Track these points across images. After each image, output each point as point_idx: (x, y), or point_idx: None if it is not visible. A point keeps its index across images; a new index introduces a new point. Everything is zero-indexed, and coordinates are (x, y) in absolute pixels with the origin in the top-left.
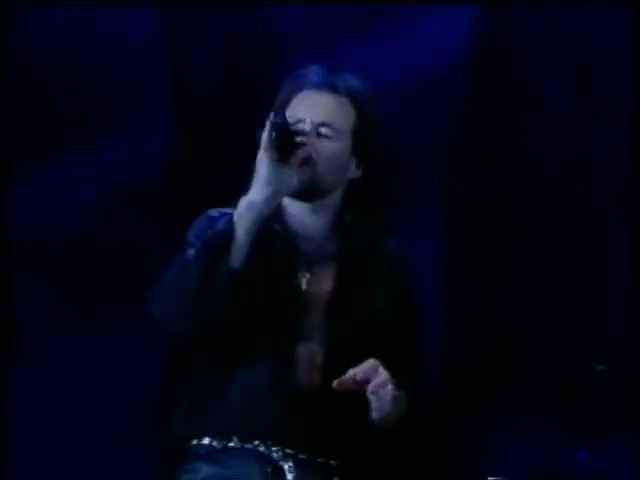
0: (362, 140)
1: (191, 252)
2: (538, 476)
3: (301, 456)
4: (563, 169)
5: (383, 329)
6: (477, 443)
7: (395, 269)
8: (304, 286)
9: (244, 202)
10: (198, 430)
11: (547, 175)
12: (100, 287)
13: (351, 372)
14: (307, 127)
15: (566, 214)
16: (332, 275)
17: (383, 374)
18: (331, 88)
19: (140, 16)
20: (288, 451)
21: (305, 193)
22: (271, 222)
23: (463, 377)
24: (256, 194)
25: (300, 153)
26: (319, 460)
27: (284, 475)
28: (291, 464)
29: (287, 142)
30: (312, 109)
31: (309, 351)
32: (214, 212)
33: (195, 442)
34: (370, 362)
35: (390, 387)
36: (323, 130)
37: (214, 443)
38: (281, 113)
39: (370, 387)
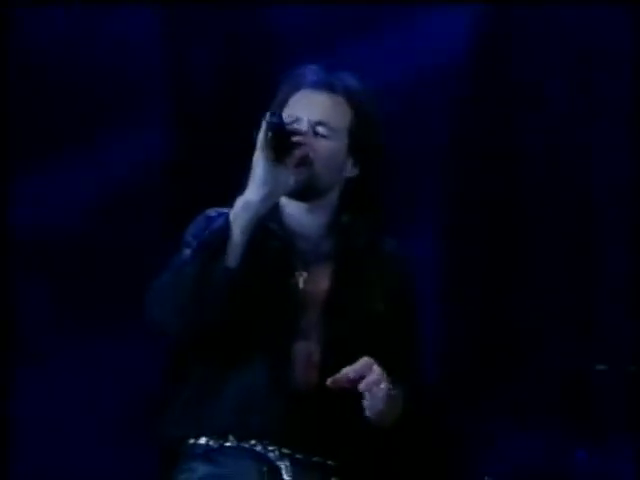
0: (359, 139)
1: (187, 252)
2: (538, 476)
3: (297, 455)
4: (563, 169)
5: (381, 328)
6: (477, 443)
7: (394, 269)
8: (301, 285)
9: (240, 202)
10: (194, 430)
11: (547, 175)
12: (100, 287)
13: (345, 370)
14: (304, 126)
15: (566, 214)
16: (329, 274)
17: (376, 372)
18: (328, 87)
19: (140, 16)
20: (284, 450)
21: (302, 192)
22: (268, 221)
23: (463, 377)
24: (252, 194)
25: (297, 152)
26: (315, 460)
27: (280, 474)
28: (287, 463)
29: (283, 142)
30: (309, 108)
31: (306, 350)
32: (212, 212)
33: (192, 441)
34: (364, 360)
35: (384, 385)
36: (320, 129)
37: (210, 442)
38: (277, 113)
39: (362, 385)
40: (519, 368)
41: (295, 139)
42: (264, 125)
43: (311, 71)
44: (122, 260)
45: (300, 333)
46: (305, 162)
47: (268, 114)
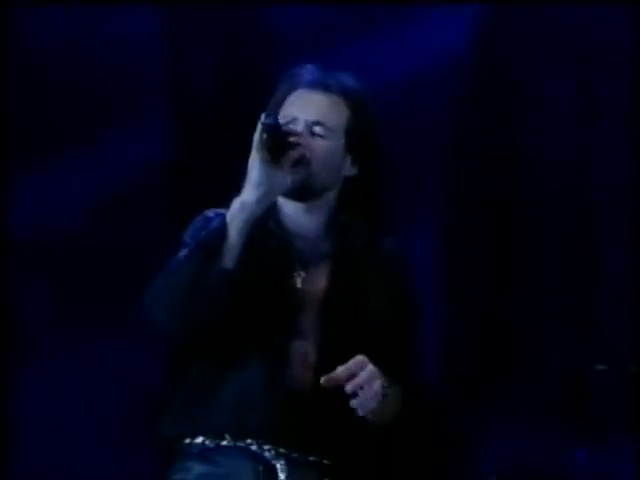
0: (356, 138)
1: (184, 252)
2: (538, 476)
3: (293, 455)
4: (563, 169)
5: (379, 328)
6: (477, 443)
7: (394, 269)
8: (299, 285)
9: (237, 203)
10: (191, 429)
11: (547, 175)
12: (100, 287)
13: (339, 369)
14: (300, 126)
15: (566, 214)
16: (327, 274)
17: (369, 370)
18: (324, 87)
19: (140, 16)
20: (280, 450)
21: (299, 193)
22: (266, 221)
23: (463, 377)
24: (248, 195)
25: (293, 153)
26: (311, 459)
27: (276, 474)
28: (283, 463)
29: (279, 143)
30: (305, 108)
31: (303, 350)
32: (210, 212)
33: (187, 441)
34: (358, 358)
35: (378, 384)
36: (316, 129)
37: (206, 442)
38: (272, 114)
39: (348, 386)
40: (519, 368)
41: (291, 139)
42: (259, 126)
43: (308, 71)
44: (122, 260)
45: (298, 333)
46: (302, 162)
47: (263, 115)
